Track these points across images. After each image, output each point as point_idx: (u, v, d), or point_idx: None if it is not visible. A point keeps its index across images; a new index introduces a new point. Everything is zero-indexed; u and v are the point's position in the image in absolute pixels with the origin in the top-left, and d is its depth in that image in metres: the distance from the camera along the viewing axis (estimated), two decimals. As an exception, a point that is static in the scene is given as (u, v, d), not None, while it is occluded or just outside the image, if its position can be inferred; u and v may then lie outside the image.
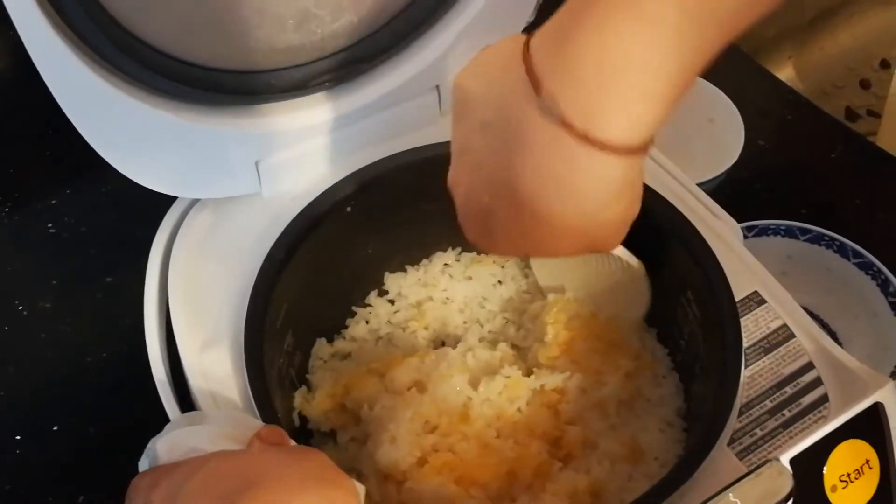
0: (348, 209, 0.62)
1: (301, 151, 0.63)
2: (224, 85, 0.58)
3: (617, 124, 0.40)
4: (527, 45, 0.42)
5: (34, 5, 0.49)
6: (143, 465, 0.49)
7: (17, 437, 0.70)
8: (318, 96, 0.62)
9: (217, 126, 0.59)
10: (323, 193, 0.61)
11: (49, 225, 0.81)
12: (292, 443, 0.49)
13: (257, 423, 0.50)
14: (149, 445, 0.50)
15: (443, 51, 0.63)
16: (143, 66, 0.55)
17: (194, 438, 0.47)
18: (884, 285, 0.76)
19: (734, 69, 0.97)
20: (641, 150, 0.42)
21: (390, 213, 0.64)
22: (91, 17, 0.52)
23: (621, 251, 0.59)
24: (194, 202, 0.63)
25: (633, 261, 0.59)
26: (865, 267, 0.77)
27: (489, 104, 0.44)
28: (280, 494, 0.41)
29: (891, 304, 0.76)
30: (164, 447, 0.48)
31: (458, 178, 0.49)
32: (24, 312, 0.77)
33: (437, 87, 0.66)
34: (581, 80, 0.40)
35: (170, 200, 0.64)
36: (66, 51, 0.51)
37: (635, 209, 0.46)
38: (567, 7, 0.41)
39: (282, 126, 0.62)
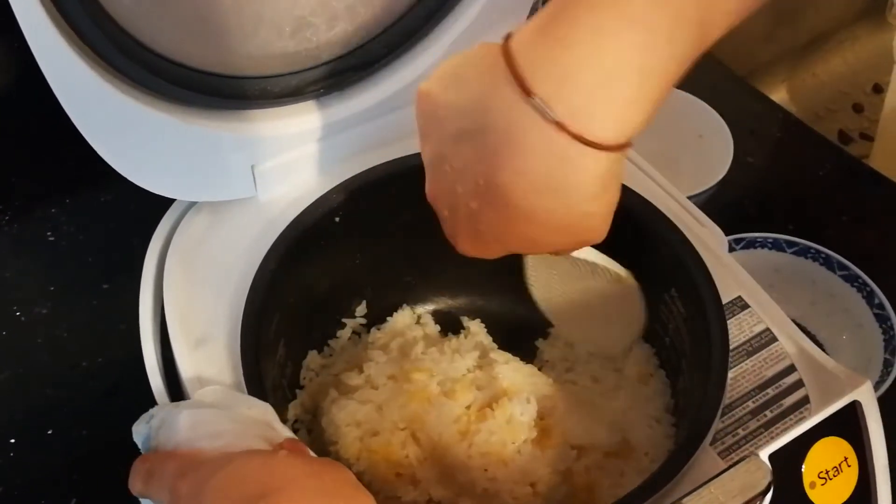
0: (337, 219, 0.62)
1: (296, 156, 0.64)
2: (221, 89, 0.59)
3: (611, 124, 0.42)
4: (505, 50, 0.43)
5: (42, 12, 0.50)
6: (140, 430, 0.50)
7: (12, 440, 0.71)
8: (313, 103, 0.63)
9: (214, 129, 0.60)
10: (311, 204, 0.62)
11: (48, 233, 0.82)
12: (312, 454, 0.49)
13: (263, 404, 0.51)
14: (152, 412, 0.50)
15: (435, 60, 0.65)
16: (144, 70, 0.56)
17: (221, 422, 0.48)
18: (869, 297, 0.77)
19: (726, 90, 0.98)
20: (629, 145, 0.43)
21: (379, 222, 0.65)
22: (95, 22, 0.53)
23: (609, 262, 0.59)
24: (191, 205, 0.64)
25: (622, 271, 0.60)
26: (851, 279, 0.78)
27: (466, 112, 0.45)
28: None
29: (875, 315, 0.76)
30: (186, 422, 0.48)
31: (439, 190, 0.49)
32: (22, 318, 0.78)
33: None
34: (576, 82, 0.41)
35: (167, 210, 0.65)
36: (70, 54, 0.52)
37: (617, 199, 0.47)
38: (549, 11, 0.42)
39: (277, 131, 0.63)
